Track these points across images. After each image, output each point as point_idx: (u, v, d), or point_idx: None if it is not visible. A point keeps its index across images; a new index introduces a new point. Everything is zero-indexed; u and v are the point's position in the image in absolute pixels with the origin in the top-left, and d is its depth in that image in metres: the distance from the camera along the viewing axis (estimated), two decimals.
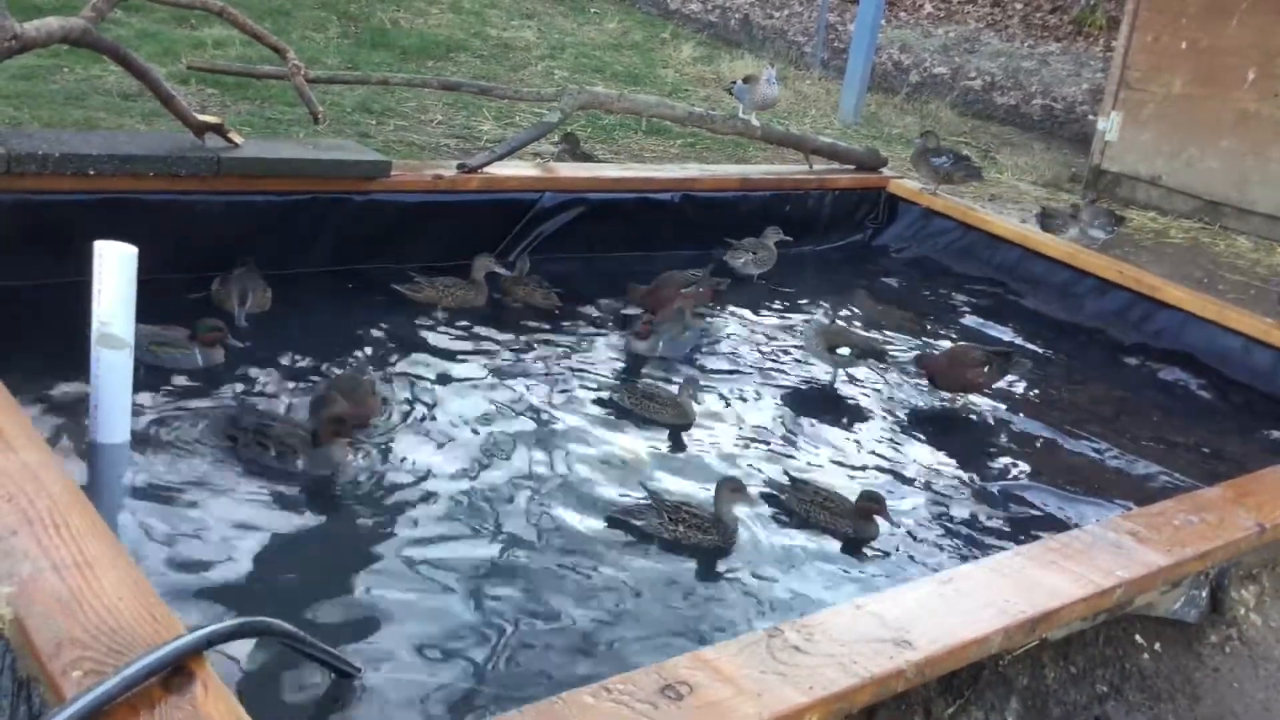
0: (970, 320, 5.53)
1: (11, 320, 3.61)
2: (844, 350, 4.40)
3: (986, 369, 4.38)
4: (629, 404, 3.94)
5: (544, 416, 3.81)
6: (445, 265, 4.75)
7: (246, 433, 3.26)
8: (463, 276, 4.65)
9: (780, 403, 4.27)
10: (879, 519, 3.39)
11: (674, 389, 4.01)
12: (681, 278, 4.89)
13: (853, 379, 4.58)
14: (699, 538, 3.19)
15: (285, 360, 3.93)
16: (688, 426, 3.91)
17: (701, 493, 3.43)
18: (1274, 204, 8.15)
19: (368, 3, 10.08)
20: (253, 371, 3.81)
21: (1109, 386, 5.04)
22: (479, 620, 2.75)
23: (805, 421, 4.14)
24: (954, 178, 6.23)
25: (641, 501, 3.33)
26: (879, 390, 4.53)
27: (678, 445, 3.82)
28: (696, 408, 3.96)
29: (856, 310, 5.43)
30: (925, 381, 4.50)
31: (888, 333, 5.18)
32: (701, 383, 4.11)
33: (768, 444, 3.92)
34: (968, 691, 2.64)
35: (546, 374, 4.16)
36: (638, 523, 3.23)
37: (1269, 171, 8.15)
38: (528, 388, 4.01)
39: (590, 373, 4.23)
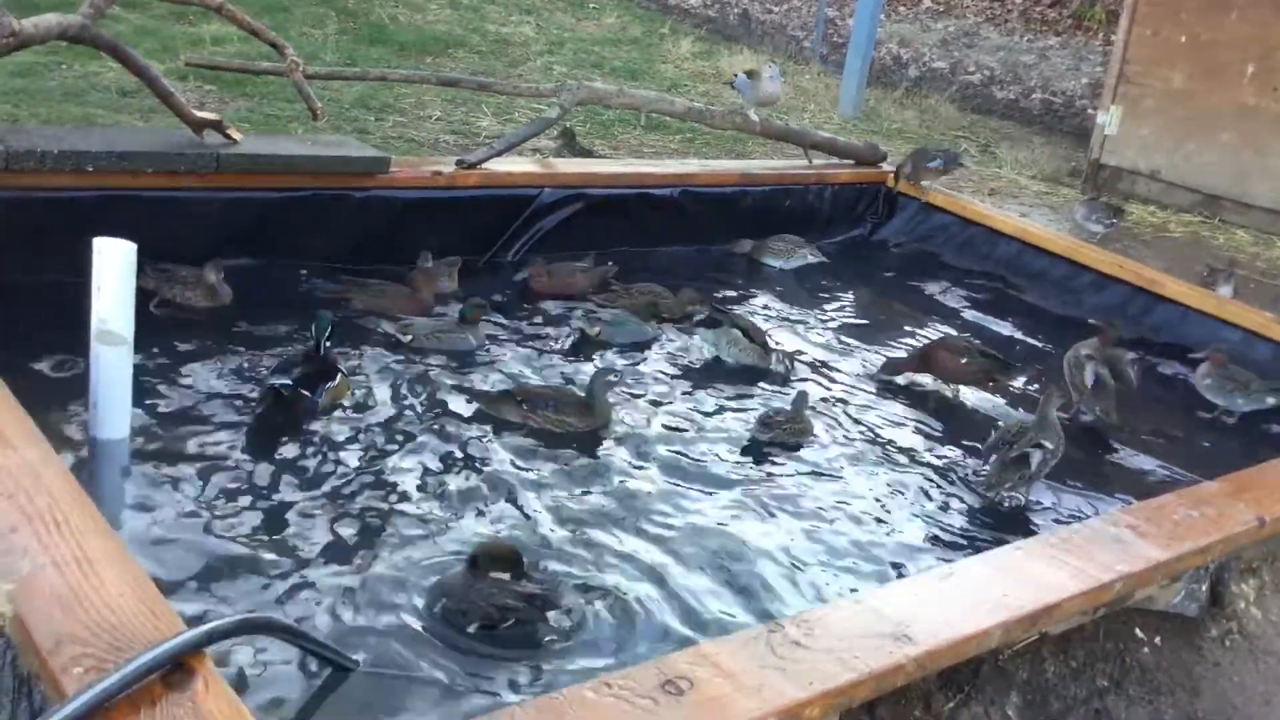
0: (970, 315, 5.53)
1: (11, 318, 3.61)
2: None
3: (964, 360, 4.39)
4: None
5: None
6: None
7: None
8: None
9: (765, 398, 4.27)
10: None
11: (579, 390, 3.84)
12: (572, 266, 4.96)
13: (846, 372, 4.58)
14: (571, 421, 3.63)
15: (283, 354, 3.92)
16: (604, 427, 3.73)
17: None
18: (1273, 198, 8.13)
19: None
20: (249, 371, 3.81)
21: None
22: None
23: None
24: (947, 171, 6.28)
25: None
26: (875, 386, 4.53)
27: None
28: (610, 402, 3.75)
29: (856, 304, 5.43)
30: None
31: (886, 329, 5.18)
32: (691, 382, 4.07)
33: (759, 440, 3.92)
34: (968, 686, 2.65)
35: (539, 367, 4.17)
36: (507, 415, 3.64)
37: (1268, 165, 8.13)
38: (522, 383, 4.02)
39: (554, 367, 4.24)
